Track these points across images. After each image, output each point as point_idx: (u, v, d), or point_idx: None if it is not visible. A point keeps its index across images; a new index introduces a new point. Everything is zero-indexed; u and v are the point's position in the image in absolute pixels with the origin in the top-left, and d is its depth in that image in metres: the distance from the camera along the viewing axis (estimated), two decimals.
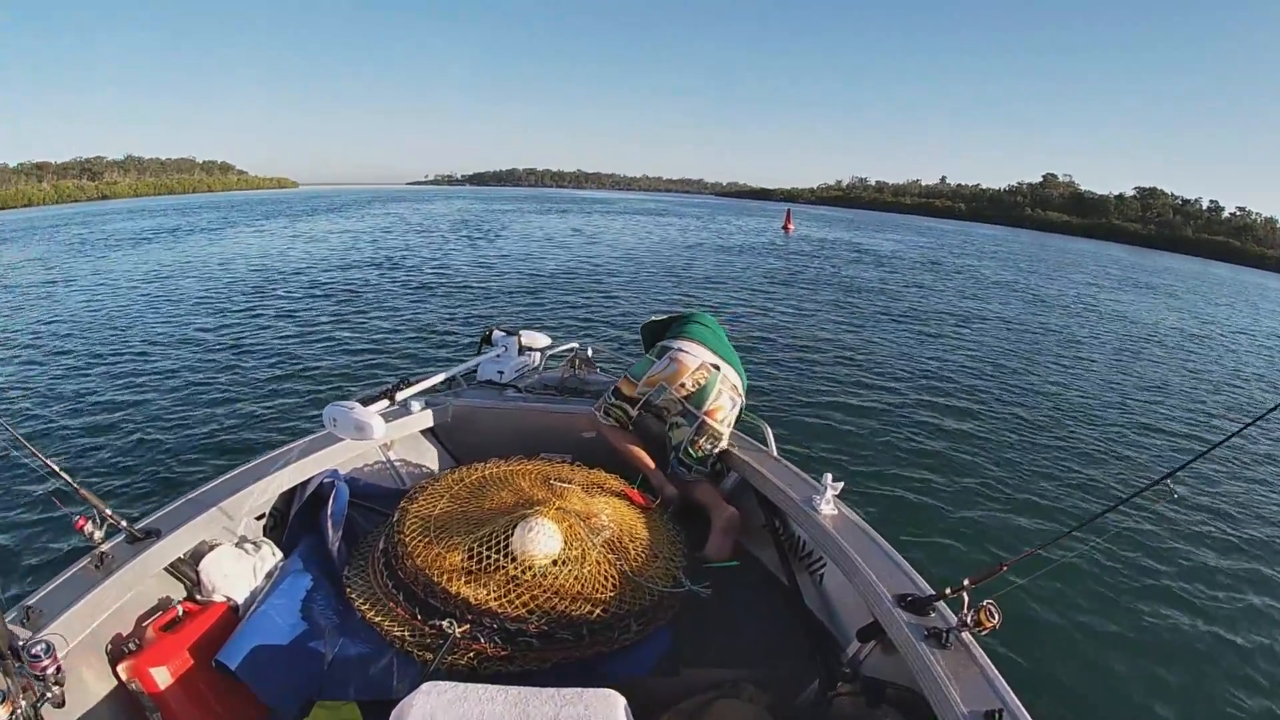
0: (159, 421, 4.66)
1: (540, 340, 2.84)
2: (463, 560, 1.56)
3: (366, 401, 2.07)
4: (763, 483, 2.03)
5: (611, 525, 1.69)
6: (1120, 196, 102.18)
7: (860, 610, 1.58)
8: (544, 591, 1.48)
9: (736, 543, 2.03)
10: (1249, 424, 1.46)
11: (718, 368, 2.20)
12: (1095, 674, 2.76)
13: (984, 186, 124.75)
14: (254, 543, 1.73)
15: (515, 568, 1.51)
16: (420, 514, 1.74)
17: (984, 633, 1.29)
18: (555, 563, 1.54)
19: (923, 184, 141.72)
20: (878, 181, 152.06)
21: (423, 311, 8.78)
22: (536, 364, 2.80)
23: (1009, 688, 1.22)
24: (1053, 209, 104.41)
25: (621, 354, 5.71)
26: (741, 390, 2.27)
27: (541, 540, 1.53)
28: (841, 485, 1.81)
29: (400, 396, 2.23)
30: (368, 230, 21.31)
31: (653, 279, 12.65)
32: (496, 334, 2.76)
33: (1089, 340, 10.09)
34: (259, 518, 1.89)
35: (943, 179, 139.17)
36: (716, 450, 2.19)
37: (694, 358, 2.18)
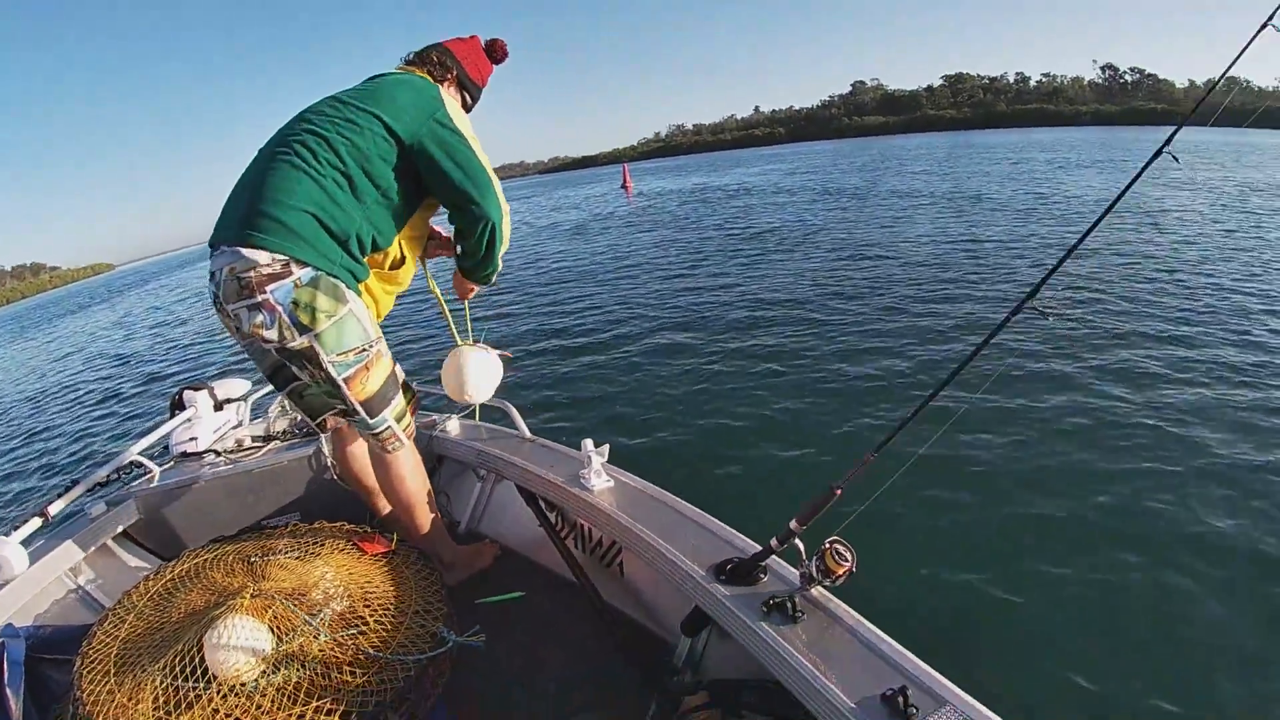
0: None
1: (239, 387, 2.48)
2: (155, 702, 1.21)
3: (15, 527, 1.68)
4: (521, 474, 1.76)
5: (339, 592, 1.38)
6: (930, 88, 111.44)
7: (679, 597, 1.34)
8: (263, 713, 1.17)
9: (517, 559, 1.82)
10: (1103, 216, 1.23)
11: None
12: (1007, 593, 2.31)
13: (797, 107, 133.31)
14: None
15: (218, 692, 1.19)
16: (100, 654, 1.38)
17: (839, 582, 1.03)
18: (270, 668, 1.22)
19: (738, 118, 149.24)
20: (695, 125, 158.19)
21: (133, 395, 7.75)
22: (240, 418, 2.42)
23: (904, 650, 0.95)
24: (869, 114, 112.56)
25: None
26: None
27: (239, 646, 1.20)
28: (607, 449, 1.56)
29: (58, 507, 1.82)
30: (146, 310, 18.83)
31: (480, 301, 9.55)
32: (187, 394, 2.36)
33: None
34: None
35: (756, 109, 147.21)
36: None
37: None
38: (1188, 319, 4.97)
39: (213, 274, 1.38)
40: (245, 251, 1.31)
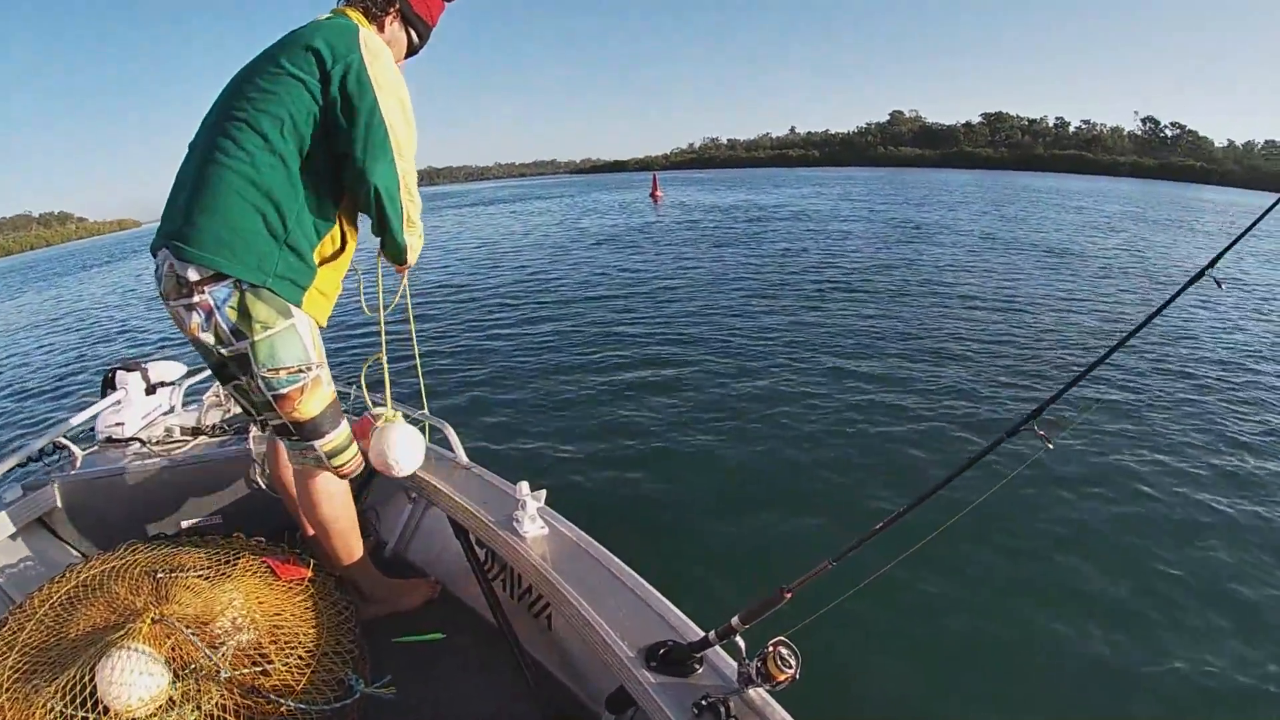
0: None
1: (173, 371, 2.40)
2: None
3: None
4: (451, 505, 1.65)
5: (245, 623, 1.32)
6: (969, 124, 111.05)
7: (604, 667, 1.26)
8: None
9: (440, 592, 1.75)
10: (1127, 337, 1.19)
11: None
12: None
13: (833, 131, 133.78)
14: None
15: None
16: None
17: (780, 688, 0.95)
18: (169, 703, 1.17)
19: (773, 136, 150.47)
20: (729, 140, 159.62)
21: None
22: (171, 404, 2.36)
23: None
24: (904, 144, 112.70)
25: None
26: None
27: (134, 681, 1.15)
28: (544, 494, 1.47)
29: None
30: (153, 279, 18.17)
31: (483, 311, 8.35)
32: (120, 374, 2.29)
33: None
34: None
35: (792, 129, 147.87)
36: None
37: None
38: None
39: (157, 268, 1.37)
40: (181, 259, 1.29)
